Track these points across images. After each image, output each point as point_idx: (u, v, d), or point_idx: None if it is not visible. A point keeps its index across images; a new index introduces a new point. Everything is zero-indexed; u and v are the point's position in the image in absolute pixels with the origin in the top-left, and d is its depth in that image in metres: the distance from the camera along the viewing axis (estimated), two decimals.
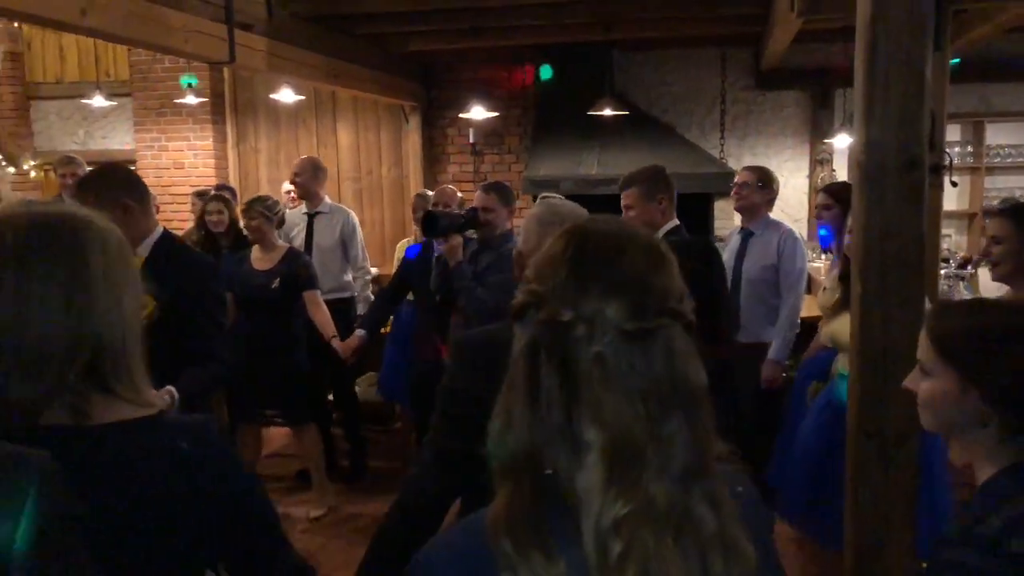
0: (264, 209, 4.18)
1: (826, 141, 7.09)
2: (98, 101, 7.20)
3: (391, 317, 4.90)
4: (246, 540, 1.20)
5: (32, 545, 0.67)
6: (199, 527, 1.12)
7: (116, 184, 2.58)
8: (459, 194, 4.76)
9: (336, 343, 4.33)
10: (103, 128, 8.22)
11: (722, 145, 7.32)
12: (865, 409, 2.07)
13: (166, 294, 2.35)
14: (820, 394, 3.27)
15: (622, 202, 3.36)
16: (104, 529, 1.03)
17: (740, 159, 7.12)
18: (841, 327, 3.04)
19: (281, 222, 4.48)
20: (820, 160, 7.26)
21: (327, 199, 5.21)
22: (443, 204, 4.49)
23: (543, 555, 0.77)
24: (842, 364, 3.15)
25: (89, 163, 5.72)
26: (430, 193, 5.04)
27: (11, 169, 7.80)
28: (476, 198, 3.89)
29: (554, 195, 3.60)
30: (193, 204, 5.72)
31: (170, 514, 1.09)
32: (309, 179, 5.03)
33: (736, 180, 4.27)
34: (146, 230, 2.63)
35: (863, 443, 2.08)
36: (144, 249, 2.60)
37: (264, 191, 8.04)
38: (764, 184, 4.18)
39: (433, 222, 3.65)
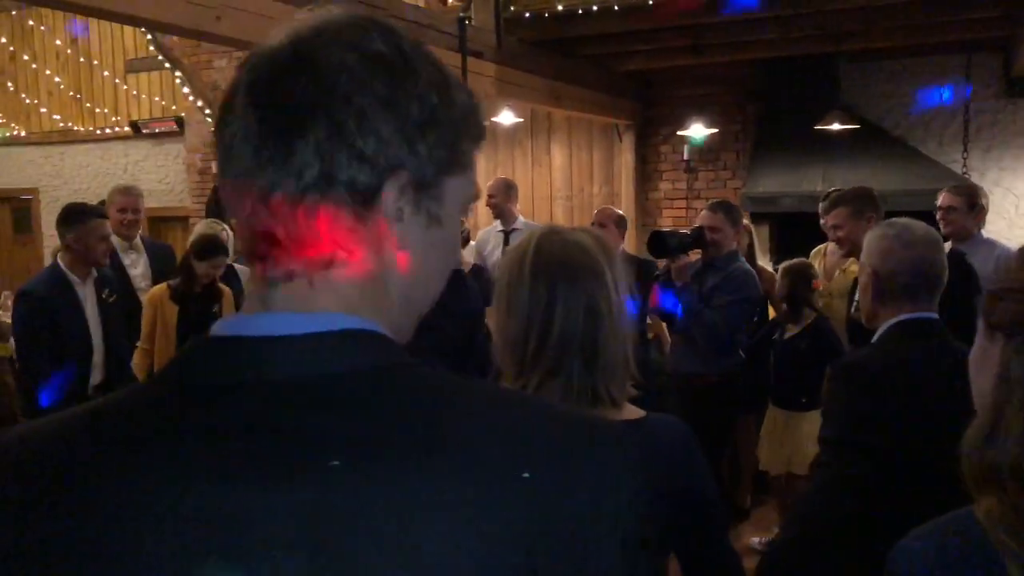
0: None
1: None
2: None
3: None
4: (704, 530, 1.29)
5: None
6: (677, 520, 1.22)
7: None
8: (619, 212, 4.76)
9: None
10: None
11: (964, 159, 6.73)
12: None
13: None
14: None
15: (829, 222, 3.35)
16: None
17: (985, 174, 6.53)
18: None
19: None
20: None
21: (521, 217, 5.41)
22: (599, 223, 4.52)
23: None
24: None
25: None
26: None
27: None
28: (702, 217, 3.84)
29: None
30: None
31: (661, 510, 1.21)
32: (503, 198, 5.33)
33: (940, 203, 3.81)
34: None
35: None
36: None
37: (482, 209, 8.40)
38: (974, 205, 3.76)
39: (661, 242, 3.64)
